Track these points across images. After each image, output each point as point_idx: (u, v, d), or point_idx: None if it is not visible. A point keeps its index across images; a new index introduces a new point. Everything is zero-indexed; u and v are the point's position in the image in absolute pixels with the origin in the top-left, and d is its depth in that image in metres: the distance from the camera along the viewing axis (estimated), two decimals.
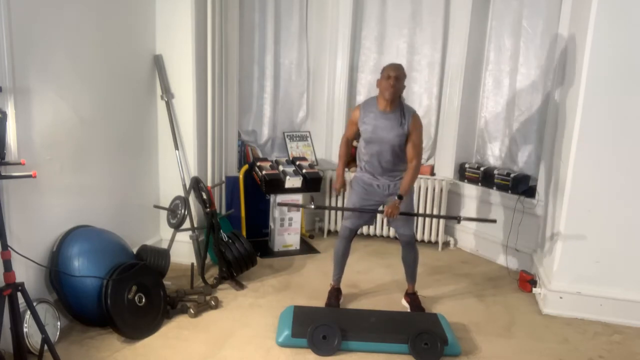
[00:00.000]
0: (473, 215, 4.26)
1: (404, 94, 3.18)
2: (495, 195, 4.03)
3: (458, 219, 3.16)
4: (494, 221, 3.32)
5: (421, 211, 4.30)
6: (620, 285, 3.13)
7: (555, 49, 3.62)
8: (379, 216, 4.30)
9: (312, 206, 3.07)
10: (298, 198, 4.11)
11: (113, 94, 3.13)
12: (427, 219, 4.31)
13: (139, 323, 2.72)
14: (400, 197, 2.89)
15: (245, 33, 4.26)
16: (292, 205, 3.22)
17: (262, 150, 4.59)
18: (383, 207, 2.99)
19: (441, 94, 4.45)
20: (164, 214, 3.64)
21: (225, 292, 3.32)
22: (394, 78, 2.84)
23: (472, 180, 4.25)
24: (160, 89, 3.55)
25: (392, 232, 4.42)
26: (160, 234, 3.79)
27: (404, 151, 2.97)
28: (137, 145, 3.44)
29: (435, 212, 4.28)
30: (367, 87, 4.64)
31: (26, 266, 2.46)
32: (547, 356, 2.76)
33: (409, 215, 3.03)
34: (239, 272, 3.47)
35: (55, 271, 2.60)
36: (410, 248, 3.13)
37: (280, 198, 4.05)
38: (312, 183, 4.11)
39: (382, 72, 2.93)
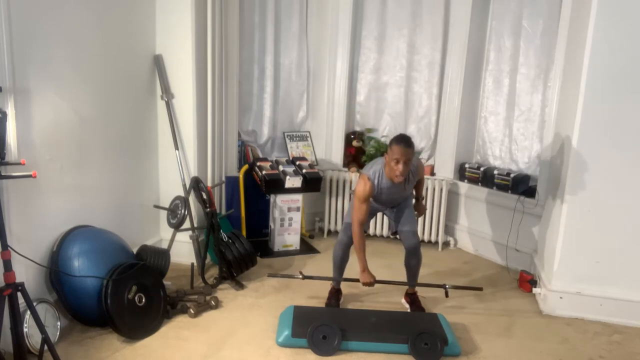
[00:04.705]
0: (473, 214, 4.27)
1: None
2: (495, 195, 4.03)
3: (444, 288, 3.07)
4: (480, 289, 3.20)
5: None
6: (620, 285, 3.13)
7: (555, 49, 3.62)
8: (379, 217, 4.36)
9: (301, 277, 3.12)
10: (298, 198, 4.12)
11: (113, 94, 3.13)
12: (428, 220, 4.31)
13: (139, 323, 2.72)
14: (422, 198, 3.29)
15: (245, 33, 4.26)
16: (282, 277, 3.31)
17: (262, 150, 4.59)
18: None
19: (441, 94, 4.45)
20: (164, 214, 3.64)
21: (225, 292, 3.32)
22: (403, 163, 2.72)
23: (472, 180, 4.25)
24: (160, 89, 3.55)
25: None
26: (160, 234, 3.79)
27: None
28: (137, 145, 3.44)
29: (435, 211, 4.28)
30: (367, 87, 4.64)
31: (26, 266, 2.46)
32: (547, 356, 2.76)
33: (383, 282, 3.11)
34: (239, 272, 3.47)
35: (55, 271, 2.60)
36: (414, 254, 3.10)
37: (280, 198, 4.06)
38: (312, 183, 4.11)
39: (390, 148, 2.78)
